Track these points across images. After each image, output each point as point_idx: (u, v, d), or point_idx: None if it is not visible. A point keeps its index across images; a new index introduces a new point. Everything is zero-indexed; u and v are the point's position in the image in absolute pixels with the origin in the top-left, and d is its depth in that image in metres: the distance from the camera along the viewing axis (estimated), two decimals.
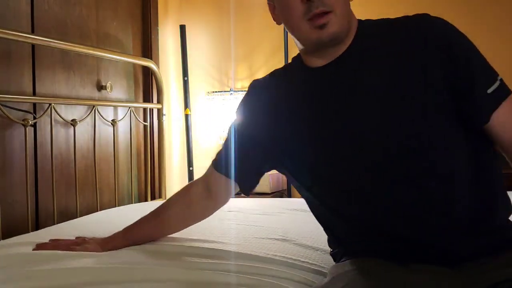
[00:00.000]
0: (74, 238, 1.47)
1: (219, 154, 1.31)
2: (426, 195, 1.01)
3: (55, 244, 1.39)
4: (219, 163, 1.30)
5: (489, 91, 1.01)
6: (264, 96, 1.19)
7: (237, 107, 1.26)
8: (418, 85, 1.01)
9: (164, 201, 1.46)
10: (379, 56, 1.06)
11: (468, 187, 1.02)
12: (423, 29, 1.03)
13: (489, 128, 1.03)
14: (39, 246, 1.38)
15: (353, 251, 1.11)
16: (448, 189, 1.01)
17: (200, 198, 1.34)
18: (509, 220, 1.07)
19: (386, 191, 1.03)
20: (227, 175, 1.27)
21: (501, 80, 1.04)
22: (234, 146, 1.25)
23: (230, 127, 1.28)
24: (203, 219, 1.41)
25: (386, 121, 1.02)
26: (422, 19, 1.05)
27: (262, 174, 1.28)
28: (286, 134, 1.13)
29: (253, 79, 1.27)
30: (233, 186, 1.28)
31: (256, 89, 1.23)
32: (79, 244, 1.37)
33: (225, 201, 1.37)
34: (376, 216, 1.05)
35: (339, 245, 1.18)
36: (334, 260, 1.20)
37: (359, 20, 1.11)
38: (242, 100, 1.26)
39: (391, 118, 1.02)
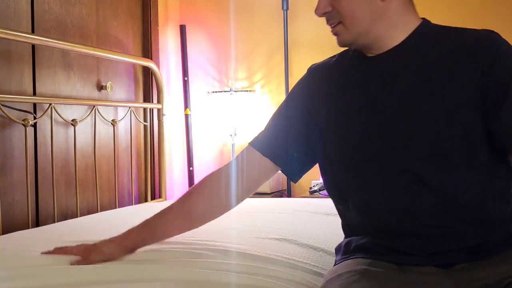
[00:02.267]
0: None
1: (262, 136, 1.27)
2: (441, 198, 1.03)
3: (64, 250, 1.28)
4: (261, 144, 1.25)
5: None
6: (324, 80, 1.21)
7: (292, 89, 1.28)
8: (450, 100, 1.03)
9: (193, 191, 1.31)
10: (423, 61, 1.07)
11: (481, 193, 1.04)
12: (474, 45, 1.03)
13: None
14: (46, 253, 1.30)
15: (354, 247, 1.12)
16: (463, 195, 1.03)
17: (227, 184, 1.27)
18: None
19: (406, 190, 1.05)
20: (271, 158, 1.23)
21: None
22: (278, 127, 1.24)
23: (279, 108, 1.27)
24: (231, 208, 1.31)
25: (410, 125, 1.05)
26: (479, 34, 1.05)
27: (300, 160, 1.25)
28: (338, 114, 1.16)
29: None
30: (271, 171, 1.25)
31: (317, 71, 1.24)
32: (91, 250, 1.25)
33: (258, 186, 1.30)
34: (389, 211, 1.07)
35: (347, 234, 1.19)
36: (336, 254, 1.20)
37: (424, 21, 1.13)
38: (300, 82, 1.27)
39: (416, 124, 1.04)
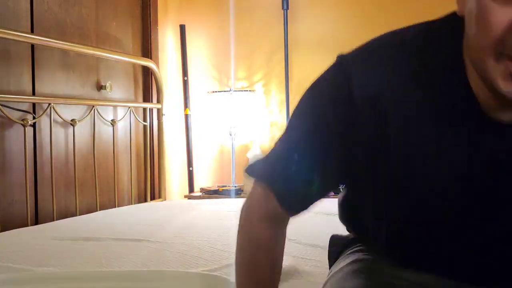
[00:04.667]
0: None
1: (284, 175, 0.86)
2: None
3: None
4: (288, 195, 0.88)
5: None
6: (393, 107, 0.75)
7: (325, 97, 0.80)
8: None
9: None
10: None
11: None
12: None
13: None
14: None
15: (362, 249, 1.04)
16: None
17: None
18: None
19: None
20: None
21: None
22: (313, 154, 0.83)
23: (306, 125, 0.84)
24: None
25: None
26: None
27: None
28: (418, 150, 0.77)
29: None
30: None
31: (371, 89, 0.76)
32: None
33: None
34: None
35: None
36: (330, 259, 1.15)
37: None
38: (334, 96, 0.79)
39: None
